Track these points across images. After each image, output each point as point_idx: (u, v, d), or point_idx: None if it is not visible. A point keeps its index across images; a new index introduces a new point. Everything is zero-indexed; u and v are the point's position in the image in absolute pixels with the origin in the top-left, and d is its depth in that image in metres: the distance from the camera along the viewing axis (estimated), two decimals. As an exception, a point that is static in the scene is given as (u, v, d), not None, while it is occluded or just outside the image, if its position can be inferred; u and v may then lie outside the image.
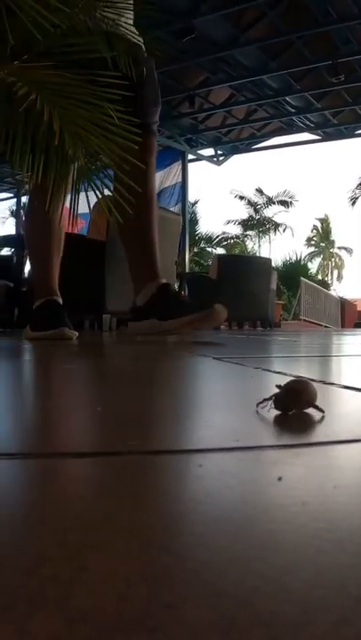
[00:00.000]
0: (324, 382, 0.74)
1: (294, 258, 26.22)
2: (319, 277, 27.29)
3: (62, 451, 0.36)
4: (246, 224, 27.17)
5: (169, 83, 7.88)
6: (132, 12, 1.99)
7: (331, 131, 10.52)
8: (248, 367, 1.00)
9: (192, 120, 10.13)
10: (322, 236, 30.17)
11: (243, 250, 26.42)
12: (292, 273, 20.51)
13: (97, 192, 1.80)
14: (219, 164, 11.58)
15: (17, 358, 1.36)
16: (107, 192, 1.82)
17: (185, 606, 0.16)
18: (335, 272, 30.09)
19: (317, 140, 10.95)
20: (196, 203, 23.87)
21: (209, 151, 11.37)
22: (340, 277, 30.10)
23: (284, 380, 0.48)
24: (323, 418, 0.44)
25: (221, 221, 29.48)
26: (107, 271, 3.60)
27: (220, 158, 11.55)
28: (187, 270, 9.89)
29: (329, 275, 29.59)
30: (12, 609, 0.16)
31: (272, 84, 8.81)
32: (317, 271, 29.26)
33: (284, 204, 26.44)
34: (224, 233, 26.98)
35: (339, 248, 30.08)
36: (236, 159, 12.01)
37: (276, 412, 0.45)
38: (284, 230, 27.32)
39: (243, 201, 26.46)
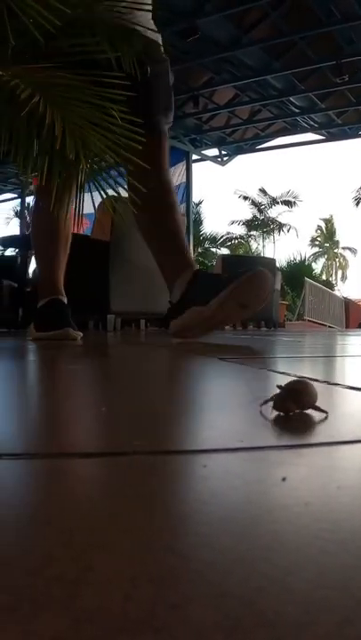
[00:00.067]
0: (329, 383, 0.74)
1: (298, 258, 26.17)
2: (323, 278, 27.26)
3: (68, 451, 0.36)
4: (250, 224, 27.15)
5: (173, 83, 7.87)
6: (150, 6, 1.94)
7: (335, 131, 10.50)
8: (252, 367, 1.00)
9: (196, 120, 10.13)
10: (326, 237, 30.13)
11: (247, 250, 26.39)
12: (297, 273, 20.48)
13: (101, 192, 1.81)
14: (223, 165, 11.57)
15: (21, 358, 1.36)
16: (111, 192, 1.82)
17: (190, 606, 0.16)
18: (339, 272, 30.06)
19: (321, 140, 10.94)
20: (200, 203, 23.90)
21: (213, 151, 11.37)
22: (344, 278, 30.08)
23: (287, 381, 0.48)
24: (326, 418, 0.44)
25: (226, 222, 29.50)
26: (111, 271, 3.60)
27: (225, 158, 11.55)
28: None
29: (333, 275, 29.55)
30: (17, 609, 0.16)
31: (276, 84, 8.80)
32: (322, 271, 29.23)
33: (288, 204, 26.41)
34: (228, 233, 26.97)
35: (343, 248, 30.05)
36: (241, 159, 12.02)
37: (279, 413, 0.45)
38: (288, 231, 27.30)
39: (247, 201, 26.45)
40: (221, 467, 0.33)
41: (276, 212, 26.98)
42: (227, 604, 0.16)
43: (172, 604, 0.16)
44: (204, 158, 11.34)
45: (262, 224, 26.92)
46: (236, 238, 27.18)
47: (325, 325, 10.20)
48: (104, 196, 1.83)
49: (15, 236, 6.00)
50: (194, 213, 18.23)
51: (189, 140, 10.54)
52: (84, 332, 2.22)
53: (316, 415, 0.45)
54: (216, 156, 11.47)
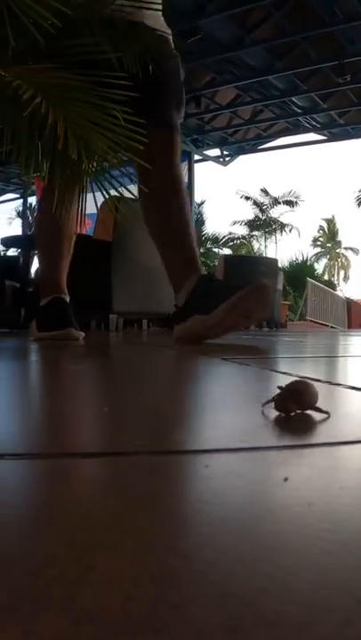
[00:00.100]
0: (331, 383, 0.74)
1: (301, 258, 26.13)
2: (325, 278, 27.22)
3: (70, 451, 0.36)
4: (252, 224, 27.14)
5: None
6: (159, 5, 1.93)
7: (337, 131, 10.50)
8: (254, 368, 1.00)
9: (198, 120, 10.12)
10: (328, 237, 30.11)
11: (249, 250, 26.38)
12: (299, 273, 20.45)
13: (104, 192, 1.80)
14: (225, 165, 11.57)
15: (24, 359, 1.36)
16: (113, 192, 1.82)
17: (192, 606, 0.16)
18: (341, 272, 30.04)
19: (324, 140, 10.93)
20: (202, 203, 23.86)
21: (215, 151, 11.37)
22: (346, 278, 30.05)
23: (289, 381, 0.48)
24: (328, 418, 0.44)
25: (228, 222, 29.59)
26: (113, 271, 3.60)
27: (227, 159, 11.54)
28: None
29: (335, 275, 29.53)
30: (18, 609, 0.16)
31: (278, 84, 8.80)
32: (324, 272, 29.20)
33: (290, 203, 26.40)
34: (230, 233, 26.96)
35: (345, 248, 30.02)
36: (243, 159, 12.00)
37: (280, 413, 0.45)
38: (290, 231, 27.29)
39: (249, 201, 26.45)
40: (223, 467, 0.33)
41: (278, 212, 27.00)
42: (228, 604, 0.16)
43: (174, 603, 0.16)
44: (206, 158, 11.34)
45: (264, 224, 26.91)
46: (239, 238, 27.19)
47: (327, 326, 10.19)
48: (106, 197, 1.83)
49: (17, 236, 6.02)
50: (196, 214, 18.23)
51: (191, 141, 10.53)
52: (87, 332, 2.22)
53: (317, 415, 0.45)
54: (218, 157, 11.46)
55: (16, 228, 24.50)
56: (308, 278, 11.68)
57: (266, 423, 0.44)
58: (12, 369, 1.08)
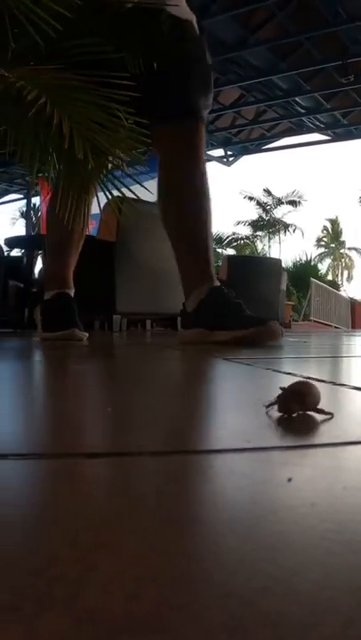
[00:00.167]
0: (335, 383, 0.74)
1: (304, 258, 26.09)
2: (329, 278, 27.17)
3: (73, 451, 0.36)
4: (256, 225, 27.15)
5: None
6: None
7: (341, 131, 10.49)
8: (258, 368, 1.00)
9: (201, 121, 10.12)
10: (332, 237, 30.09)
11: (253, 250, 26.38)
12: (303, 274, 20.42)
13: (106, 193, 1.80)
14: (228, 165, 11.57)
15: (27, 359, 1.37)
16: (116, 193, 1.82)
17: (195, 607, 0.16)
18: (345, 273, 30.00)
19: (327, 140, 10.92)
20: (206, 203, 23.82)
21: (219, 152, 11.37)
22: (350, 278, 30.02)
23: (292, 381, 0.48)
24: (331, 418, 0.44)
25: (231, 222, 29.57)
26: (117, 272, 3.60)
27: (230, 159, 11.54)
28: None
29: (339, 275, 29.49)
30: (20, 609, 0.16)
31: (282, 84, 8.79)
32: (327, 272, 29.18)
33: (293, 203, 26.40)
34: (234, 234, 26.99)
35: (349, 249, 30.00)
36: (246, 160, 11.98)
37: (282, 414, 0.45)
38: (294, 231, 27.28)
39: (252, 202, 26.46)
40: (227, 467, 0.33)
41: (281, 213, 27.00)
42: (231, 604, 0.16)
43: (177, 604, 0.16)
44: (209, 159, 11.33)
45: (268, 224, 26.91)
46: (242, 239, 27.21)
47: (331, 326, 10.18)
48: (109, 197, 1.82)
49: (21, 236, 6.02)
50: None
51: (195, 141, 10.52)
52: (90, 333, 2.22)
53: (321, 416, 0.45)
54: (222, 157, 11.46)
55: (20, 229, 24.57)
56: (311, 278, 11.67)
57: (269, 423, 0.44)
58: (16, 369, 1.08)
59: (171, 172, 1.85)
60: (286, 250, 55.83)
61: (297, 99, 9.24)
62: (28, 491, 0.29)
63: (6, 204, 15.72)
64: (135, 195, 1.84)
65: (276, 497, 0.27)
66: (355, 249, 29.80)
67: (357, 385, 0.70)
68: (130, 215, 1.94)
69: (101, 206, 1.96)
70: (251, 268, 5.74)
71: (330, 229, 30.23)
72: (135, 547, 0.20)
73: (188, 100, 1.85)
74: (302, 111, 9.69)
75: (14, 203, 16.47)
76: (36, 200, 13.55)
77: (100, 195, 1.81)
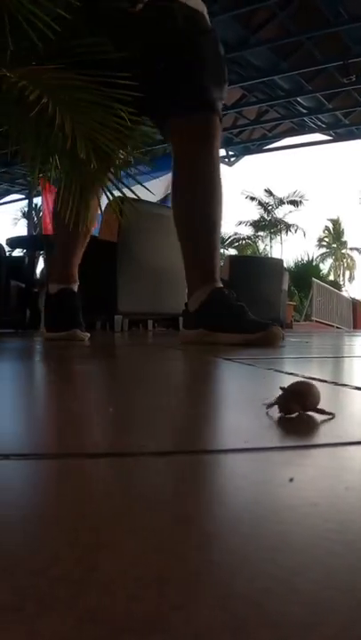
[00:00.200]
0: (336, 383, 0.74)
1: (306, 259, 26.10)
2: (331, 278, 27.19)
3: (75, 451, 0.36)
4: (258, 225, 27.17)
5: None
6: None
7: (342, 131, 10.48)
8: (259, 368, 1.00)
9: (203, 121, 10.11)
10: (334, 237, 30.10)
11: (255, 251, 26.39)
12: (304, 274, 20.42)
13: (107, 194, 1.80)
14: (230, 165, 11.56)
15: (29, 359, 1.37)
16: (117, 193, 1.82)
17: (196, 607, 0.16)
18: (347, 273, 30.01)
19: (329, 140, 10.91)
20: (207, 204, 23.82)
21: (220, 152, 11.35)
22: (351, 278, 30.04)
23: (293, 382, 0.48)
24: (332, 418, 0.44)
25: (233, 222, 29.50)
26: (118, 272, 3.60)
27: (232, 159, 11.54)
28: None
29: (341, 275, 29.51)
30: (21, 609, 0.16)
31: (283, 84, 8.79)
32: (329, 272, 29.18)
33: (295, 203, 26.41)
34: (236, 234, 27.02)
35: (351, 249, 30.01)
36: (248, 160, 11.96)
37: (282, 414, 0.45)
38: (295, 231, 27.31)
39: (254, 202, 26.47)
40: (228, 467, 0.33)
41: (282, 213, 27.01)
42: (233, 604, 0.16)
43: (178, 604, 0.16)
44: (211, 159, 11.33)
45: (270, 224, 26.92)
46: (244, 239, 27.23)
47: (333, 326, 10.18)
48: (110, 198, 1.82)
49: (23, 236, 6.02)
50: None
51: (197, 141, 10.52)
52: (92, 333, 2.23)
53: (321, 416, 0.45)
54: (223, 157, 11.44)
55: (21, 229, 24.60)
56: (313, 279, 11.68)
57: (270, 424, 0.44)
58: (18, 369, 1.08)
59: (185, 171, 1.84)
60: (288, 250, 55.81)
61: (299, 99, 9.23)
62: (30, 491, 0.29)
63: (8, 205, 15.73)
64: (136, 195, 1.84)
65: (277, 497, 0.27)
66: (356, 249, 29.82)
67: (359, 385, 0.70)
68: (131, 215, 1.94)
69: (103, 207, 1.96)
70: (252, 268, 5.73)
71: (331, 229, 30.24)
72: (137, 547, 0.20)
73: (203, 92, 1.83)
74: (304, 111, 9.68)
75: (16, 203, 16.48)
76: (37, 200, 13.54)
77: (102, 195, 1.81)
